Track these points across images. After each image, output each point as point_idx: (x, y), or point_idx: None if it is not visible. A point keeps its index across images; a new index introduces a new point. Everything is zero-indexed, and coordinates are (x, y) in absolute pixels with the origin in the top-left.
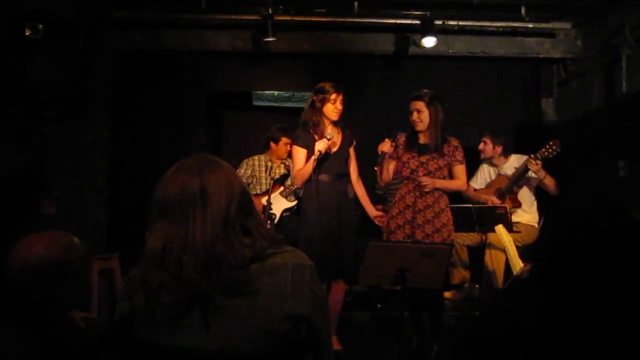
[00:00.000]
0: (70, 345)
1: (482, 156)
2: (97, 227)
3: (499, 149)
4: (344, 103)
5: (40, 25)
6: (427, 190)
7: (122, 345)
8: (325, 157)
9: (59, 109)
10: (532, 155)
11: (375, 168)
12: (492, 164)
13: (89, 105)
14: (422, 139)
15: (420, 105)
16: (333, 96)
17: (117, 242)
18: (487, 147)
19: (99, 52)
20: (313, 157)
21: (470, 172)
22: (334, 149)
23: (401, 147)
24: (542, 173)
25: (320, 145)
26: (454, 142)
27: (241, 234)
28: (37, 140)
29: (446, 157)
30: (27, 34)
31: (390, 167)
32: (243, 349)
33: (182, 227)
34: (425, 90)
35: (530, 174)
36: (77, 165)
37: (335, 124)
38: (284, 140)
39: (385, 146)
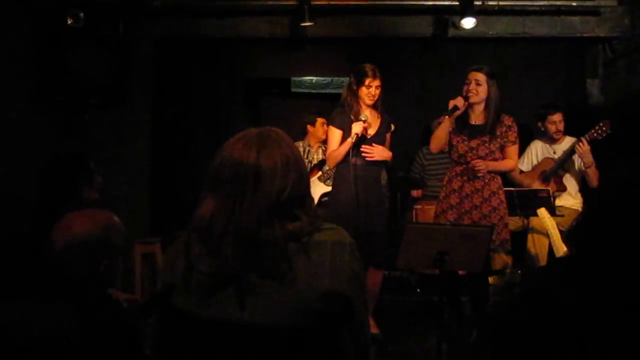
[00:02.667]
0: (111, 321)
1: (551, 134)
2: (140, 212)
3: (561, 128)
4: (381, 89)
5: (82, 14)
6: (480, 174)
7: (160, 313)
8: (361, 140)
9: (101, 96)
10: (580, 138)
11: (438, 120)
12: (550, 142)
13: (130, 92)
14: (473, 119)
15: (480, 76)
16: (368, 80)
17: (160, 227)
18: (559, 125)
19: (139, 41)
20: (350, 139)
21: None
22: (371, 133)
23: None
24: (589, 159)
25: (357, 128)
26: (507, 121)
27: (288, 220)
28: (79, 127)
29: (498, 139)
30: (69, 22)
31: (446, 135)
32: (278, 323)
33: (231, 204)
34: (485, 65)
35: (577, 159)
36: (119, 151)
37: (374, 107)
38: (320, 120)
39: (459, 101)
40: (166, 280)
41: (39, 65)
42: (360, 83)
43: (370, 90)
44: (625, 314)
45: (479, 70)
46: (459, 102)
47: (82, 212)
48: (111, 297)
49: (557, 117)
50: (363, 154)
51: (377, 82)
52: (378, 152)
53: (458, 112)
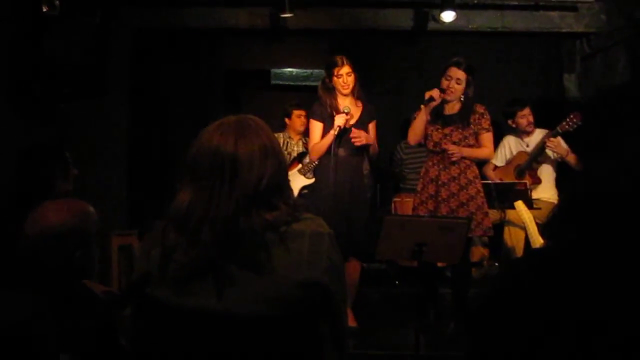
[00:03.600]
0: (85, 311)
1: (524, 128)
2: (117, 204)
3: (532, 120)
4: (355, 76)
5: (57, 2)
6: (454, 159)
7: (136, 304)
8: (343, 130)
9: (77, 86)
10: (551, 132)
11: (415, 115)
12: (520, 136)
13: (107, 82)
14: (447, 110)
15: (461, 74)
16: (336, 70)
17: (137, 218)
18: (529, 117)
19: (117, 30)
20: (332, 132)
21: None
22: (352, 122)
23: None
24: (564, 150)
25: (340, 120)
26: (480, 109)
27: (266, 209)
28: (55, 117)
29: (472, 126)
30: (44, 10)
31: (423, 126)
32: (255, 312)
33: (208, 193)
34: (464, 59)
35: (550, 152)
36: (95, 142)
37: (357, 98)
38: (296, 112)
39: (435, 92)
40: (142, 270)
41: (13, 54)
42: (331, 74)
43: (341, 79)
44: (602, 304)
45: (459, 66)
46: (434, 93)
47: (55, 202)
48: (86, 287)
49: (526, 111)
50: (352, 139)
51: (346, 69)
52: (365, 136)
53: (434, 103)
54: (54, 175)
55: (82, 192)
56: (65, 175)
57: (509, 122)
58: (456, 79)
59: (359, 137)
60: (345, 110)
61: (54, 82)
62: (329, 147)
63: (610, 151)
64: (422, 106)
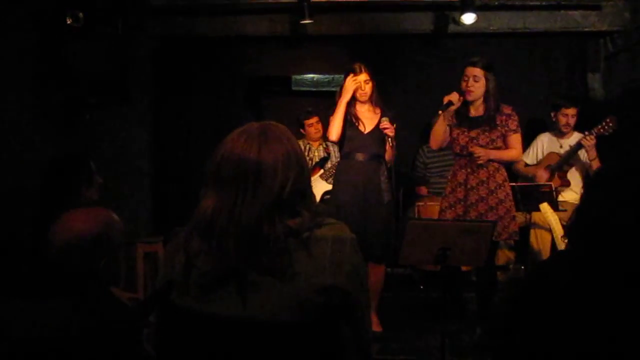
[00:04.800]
0: (111, 319)
1: (560, 127)
2: (142, 212)
3: (571, 123)
4: (373, 83)
5: (81, 14)
6: (480, 162)
7: (160, 311)
8: (359, 137)
9: (101, 95)
10: (587, 133)
11: (434, 120)
12: (558, 136)
13: (131, 92)
14: (473, 112)
15: (477, 71)
16: (356, 78)
17: (162, 226)
18: (570, 119)
19: (139, 40)
20: (343, 100)
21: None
22: (369, 129)
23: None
24: (593, 153)
25: (351, 85)
26: (507, 110)
27: (289, 216)
28: (80, 127)
29: (499, 128)
30: (68, 22)
31: (446, 130)
32: (278, 318)
33: (232, 200)
34: (480, 57)
35: (582, 155)
36: (120, 151)
37: (375, 104)
38: (307, 122)
39: (454, 97)
40: (165, 277)
41: (39, 65)
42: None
43: (360, 86)
44: (622, 305)
45: (474, 64)
46: (453, 97)
47: (80, 210)
48: (112, 295)
49: (571, 111)
50: (382, 127)
51: (364, 77)
52: (393, 128)
53: (453, 107)
54: (79, 184)
55: (107, 200)
56: (90, 183)
57: (552, 114)
58: (473, 77)
59: (389, 127)
60: (384, 120)
61: (78, 92)
62: (351, 153)
63: (620, 156)
64: (440, 112)
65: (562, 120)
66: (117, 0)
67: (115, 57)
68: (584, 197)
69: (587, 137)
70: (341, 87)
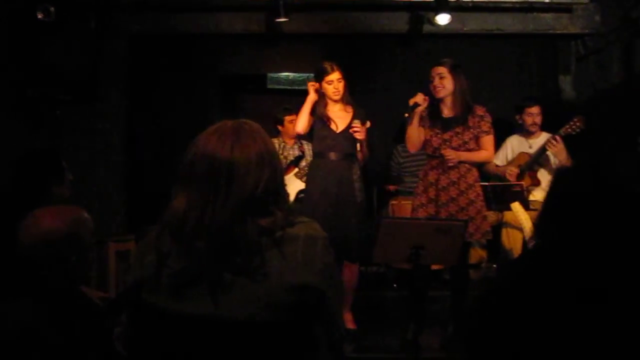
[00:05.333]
0: (81, 318)
1: (527, 127)
2: (115, 210)
3: (538, 122)
4: (345, 82)
5: (52, 8)
6: (450, 164)
7: (130, 310)
8: (332, 135)
9: (73, 91)
10: (553, 136)
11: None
12: (525, 137)
13: (103, 88)
14: (445, 112)
15: (442, 70)
16: (326, 76)
17: (135, 224)
18: (535, 118)
19: (112, 36)
20: (309, 99)
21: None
22: (342, 127)
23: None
24: (563, 156)
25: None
26: (480, 112)
27: (262, 215)
28: (51, 123)
29: (471, 130)
30: (39, 17)
31: (421, 132)
32: (250, 317)
33: (204, 200)
34: (447, 59)
35: (552, 157)
36: (93, 148)
37: (347, 102)
38: (288, 118)
39: (419, 98)
40: (136, 276)
41: (10, 60)
42: (321, 81)
43: (332, 85)
44: (587, 300)
45: (439, 64)
46: (418, 98)
47: (49, 208)
48: (82, 293)
49: (534, 109)
50: (352, 130)
51: (336, 75)
52: (364, 131)
53: (420, 109)
54: (49, 181)
55: (79, 198)
56: (61, 181)
57: (517, 117)
58: (438, 75)
59: (359, 129)
60: (356, 123)
61: (49, 88)
62: (324, 152)
63: (584, 155)
64: (406, 115)
65: (528, 120)
66: None
67: (87, 52)
68: (546, 197)
69: (553, 142)
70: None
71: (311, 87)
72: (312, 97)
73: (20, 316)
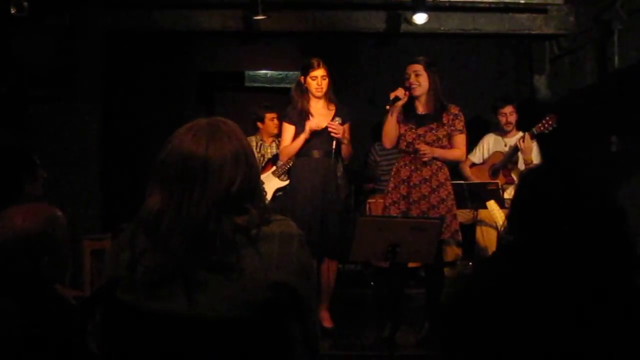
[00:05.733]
0: (55, 317)
1: (502, 126)
2: (90, 208)
3: (512, 120)
4: (329, 79)
5: (26, 3)
6: (425, 159)
7: (104, 308)
8: (316, 134)
9: (46, 88)
10: (526, 133)
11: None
12: (502, 135)
13: (78, 84)
14: (420, 109)
15: (418, 67)
16: (311, 72)
17: (110, 222)
18: (509, 117)
19: (87, 32)
20: (303, 135)
21: (470, 147)
22: (322, 125)
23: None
24: (529, 155)
25: (312, 124)
26: (454, 110)
27: (237, 214)
28: (23, 120)
29: (445, 127)
30: (12, 11)
31: (397, 127)
32: (225, 315)
33: (179, 197)
34: (422, 57)
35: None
36: (66, 145)
37: (329, 100)
38: (269, 115)
39: (400, 92)
40: (110, 274)
41: None
42: (306, 76)
43: (316, 81)
44: (558, 300)
45: (414, 62)
46: (399, 92)
47: (22, 206)
48: (56, 292)
49: (507, 109)
50: (330, 130)
51: (321, 72)
52: (342, 130)
53: (400, 103)
54: (21, 179)
55: (54, 196)
56: (34, 178)
57: (493, 116)
58: (414, 72)
59: (336, 130)
60: (337, 121)
61: (22, 84)
62: (303, 149)
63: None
64: (387, 107)
65: (502, 119)
66: None
67: (62, 49)
68: (514, 195)
69: (522, 139)
70: (297, 82)
71: (311, 122)
72: (306, 136)
73: None
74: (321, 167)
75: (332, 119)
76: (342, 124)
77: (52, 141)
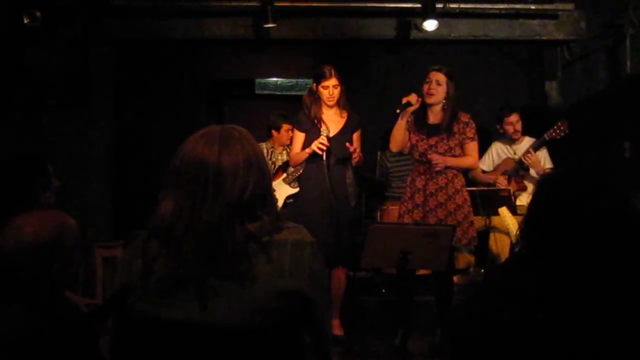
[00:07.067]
0: (66, 324)
1: (510, 135)
2: (101, 215)
3: (519, 128)
4: (341, 88)
5: (38, 13)
6: (438, 169)
7: (117, 316)
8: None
9: (60, 97)
10: (538, 140)
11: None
12: (509, 143)
13: (90, 93)
14: (432, 119)
15: (441, 77)
16: (324, 81)
17: (122, 230)
18: (516, 125)
19: (99, 41)
20: (307, 151)
21: (480, 154)
22: (334, 133)
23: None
24: (539, 168)
25: (315, 146)
26: (464, 118)
27: (249, 220)
28: (37, 129)
29: (457, 136)
30: (25, 22)
31: (406, 133)
32: (238, 323)
33: (192, 204)
34: (444, 66)
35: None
36: (79, 154)
37: (342, 108)
38: (286, 127)
39: (412, 97)
40: (123, 281)
41: None
42: (318, 84)
43: (327, 91)
44: (570, 308)
45: (439, 70)
46: (412, 98)
47: (33, 213)
48: (67, 300)
49: (513, 117)
50: (317, 145)
51: (333, 82)
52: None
53: (411, 108)
54: (35, 187)
55: (65, 204)
56: (47, 187)
57: (497, 126)
58: (436, 81)
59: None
60: (324, 134)
61: (35, 93)
62: (316, 156)
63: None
64: (398, 110)
65: (509, 129)
66: (77, 1)
67: (73, 58)
68: (529, 203)
69: (528, 155)
70: (309, 89)
71: (316, 143)
72: (310, 152)
73: (3, 323)
74: (331, 175)
75: (344, 125)
76: (353, 131)
77: (64, 150)
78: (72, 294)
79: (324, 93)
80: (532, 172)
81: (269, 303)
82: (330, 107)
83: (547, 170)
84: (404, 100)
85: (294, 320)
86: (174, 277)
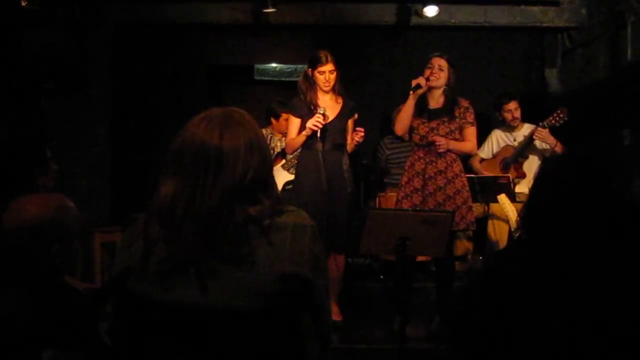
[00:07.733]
0: (66, 306)
1: (509, 122)
2: (99, 200)
3: (518, 115)
4: (337, 73)
5: None
6: (440, 150)
7: (116, 299)
8: (322, 127)
9: (58, 81)
10: (540, 124)
11: (399, 107)
12: (508, 130)
13: (89, 77)
14: (432, 103)
15: (443, 63)
16: (320, 66)
17: (120, 215)
18: (514, 112)
19: (98, 25)
20: (304, 133)
21: (479, 141)
22: (331, 117)
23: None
24: (552, 140)
25: (312, 123)
26: (464, 104)
27: (250, 204)
28: (35, 113)
29: (457, 120)
30: (23, 5)
31: (410, 114)
32: (237, 305)
33: (192, 187)
34: (446, 54)
35: (539, 144)
36: (77, 137)
37: (337, 93)
38: (285, 115)
39: (422, 80)
40: (122, 264)
41: None
42: (314, 70)
43: (324, 76)
44: (570, 291)
45: (441, 56)
46: (421, 80)
47: (33, 195)
48: (65, 282)
49: (512, 105)
50: (356, 140)
51: (329, 67)
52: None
53: (421, 90)
54: (33, 171)
55: (64, 188)
56: (45, 171)
57: (497, 114)
58: (438, 66)
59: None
60: (321, 112)
61: (33, 77)
62: (312, 142)
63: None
64: (411, 92)
65: (508, 116)
66: None
67: (72, 42)
68: (531, 190)
69: (539, 131)
70: (304, 74)
71: (312, 120)
72: (307, 134)
73: (3, 305)
74: (327, 160)
75: (340, 111)
76: (348, 117)
77: (62, 134)
78: (71, 278)
79: (320, 78)
80: (531, 159)
81: (269, 286)
82: (326, 92)
83: (558, 146)
84: (414, 83)
85: (294, 303)
86: (174, 260)
